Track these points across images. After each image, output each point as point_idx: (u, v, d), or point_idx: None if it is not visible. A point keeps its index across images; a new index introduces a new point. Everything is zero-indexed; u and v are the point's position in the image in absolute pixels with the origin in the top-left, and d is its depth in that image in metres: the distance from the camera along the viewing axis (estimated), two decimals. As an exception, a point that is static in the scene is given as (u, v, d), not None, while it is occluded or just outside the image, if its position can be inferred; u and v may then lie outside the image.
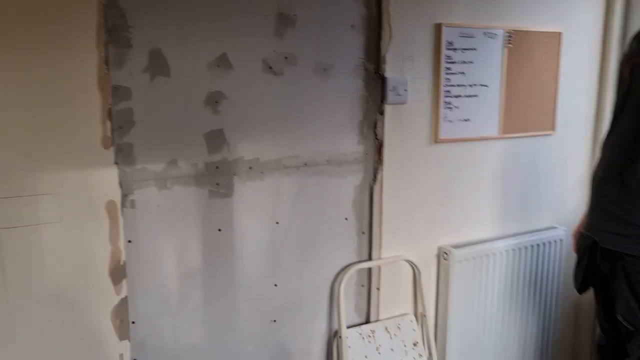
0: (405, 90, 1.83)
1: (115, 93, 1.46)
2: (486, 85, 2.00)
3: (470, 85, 1.96)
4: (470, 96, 1.97)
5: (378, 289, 1.93)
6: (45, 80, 1.35)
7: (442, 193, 2.00)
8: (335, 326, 1.89)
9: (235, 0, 1.57)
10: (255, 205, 1.70)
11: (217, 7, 1.54)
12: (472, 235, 2.10)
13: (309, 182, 1.76)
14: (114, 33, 1.43)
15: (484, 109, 2.01)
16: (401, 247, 1.95)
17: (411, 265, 1.96)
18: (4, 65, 1.30)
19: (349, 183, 1.83)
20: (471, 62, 1.95)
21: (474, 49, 1.94)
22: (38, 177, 1.40)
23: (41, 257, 1.42)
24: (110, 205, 1.50)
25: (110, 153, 1.47)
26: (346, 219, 1.84)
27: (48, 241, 1.43)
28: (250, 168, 1.67)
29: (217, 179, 1.63)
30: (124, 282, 1.54)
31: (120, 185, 1.50)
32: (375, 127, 1.84)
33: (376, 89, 1.81)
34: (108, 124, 1.45)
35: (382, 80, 1.81)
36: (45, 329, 1.45)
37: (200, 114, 1.57)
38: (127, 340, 1.56)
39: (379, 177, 1.86)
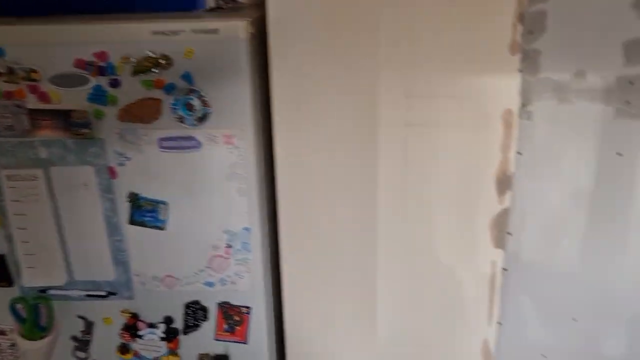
0: None
1: (532, -6, 1.37)
2: None
3: None
4: None
5: None
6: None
7: None
8: None
9: None
10: (670, 132, 1.46)
11: None
12: None
13: None
14: None
15: None
16: None
17: None
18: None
19: None
20: None
21: None
22: (442, 79, 1.44)
23: (438, 155, 1.49)
24: (506, 114, 1.47)
25: (516, 60, 1.42)
26: None
27: (445, 142, 1.48)
28: (675, 86, 1.42)
29: (629, 96, 1.43)
30: (508, 194, 1.52)
31: (520, 94, 1.45)
32: None
33: None
34: (519, 27, 1.38)
35: None
36: (429, 217, 1.53)
37: (624, 19, 1.38)
38: (501, 250, 1.57)
39: None
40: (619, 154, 1.50)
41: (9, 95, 1.19)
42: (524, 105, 1.49)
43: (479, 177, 1.53)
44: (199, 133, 1.17)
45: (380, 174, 1.52)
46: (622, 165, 1.51)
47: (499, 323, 1.70)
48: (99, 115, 1.19)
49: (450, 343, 1.68)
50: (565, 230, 1.58)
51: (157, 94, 1.16)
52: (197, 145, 1.18)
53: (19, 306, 1.36)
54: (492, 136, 1.49)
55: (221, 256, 1.25)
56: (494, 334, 1.69)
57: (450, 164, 1.51)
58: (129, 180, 1.23)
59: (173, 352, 1.35)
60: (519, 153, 1.53)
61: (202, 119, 1.16)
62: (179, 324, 1.33)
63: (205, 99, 1.14)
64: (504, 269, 1.64)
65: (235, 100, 1.15)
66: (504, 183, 1.52)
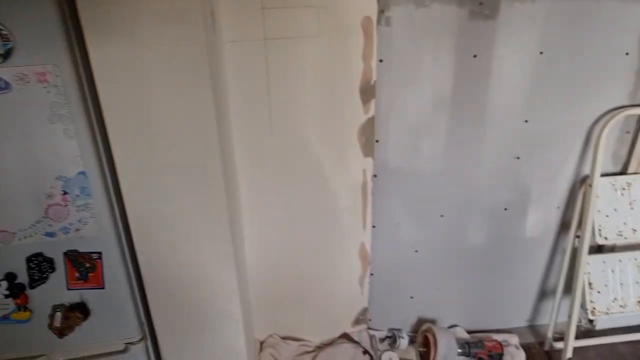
0: None
1: None
2: None
3: None
4: None
5: (648, 139, 1.65)
6: None
7: None
8: (585, 172, 1.70)
9: None
10: (519, 31, 1.47)
11: None
12: None
13: (592, 6, 1.45)
14: None
15: None
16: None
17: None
18: None
19: (644, 10, 1.47)
20: None
21: None
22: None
23: (301, 68, 1.43)
24: (365, 21, 1.40)
25: (372, -37, 1.34)
26: (627, 54, 1.52)
27: (307, 53, 1.42)
28: (523, -15, 1.41)
29: (482, -3, 1.42)
30: (372, 102, 1.51)
31: (378, 0, 1.39)
32: None
33: None
34: None
35: None
36: (297, 132, 1.51)
37: None
38: (370, 158, 1.58)
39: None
40: (474, 56, 1.51)
41: None
42: (382, 11, 1.43)
43: (343, 87, 1.48)
44: (4, 72, 1.00)
45: (233, 92, 1.43)
46: (477, 66, 1.52)
47: (373, 226, 1.76)
48: None
49: (327, 250, 1.72)
50: (428, 133, 1.60)
51: (-58, 28, 0.97)
52: (5, 87, 1.01)
53: None
54: (353, 45, 1.43)
55: (58, 204, 1.14)
56: (369, 236, 1.76)
57: (313, 76, 1.45)
58: None
59: (23, 307, 1.26)
60: (380, 61, 1.49)
61: (6, 55, 0.98)
62: (23, 278, 1.24)
63: (4, 32, 0.97)
64: (374, 176, 1.66)
65: (42, 32, 0.97)
66: (367, 92, 1.49)
